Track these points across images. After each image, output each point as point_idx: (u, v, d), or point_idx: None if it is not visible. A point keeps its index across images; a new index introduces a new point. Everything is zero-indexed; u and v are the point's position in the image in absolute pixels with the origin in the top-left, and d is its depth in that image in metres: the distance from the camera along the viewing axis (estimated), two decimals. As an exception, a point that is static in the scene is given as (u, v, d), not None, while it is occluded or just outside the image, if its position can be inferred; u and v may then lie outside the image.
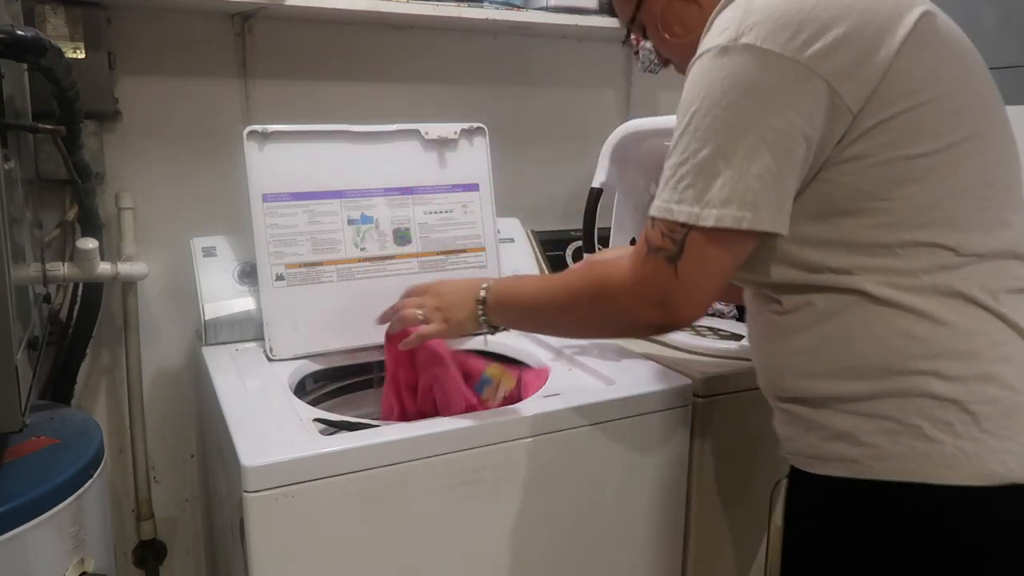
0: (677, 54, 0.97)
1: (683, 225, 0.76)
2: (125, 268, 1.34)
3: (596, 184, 1.46)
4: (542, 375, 1.17)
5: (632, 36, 1.02)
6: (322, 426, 1.06)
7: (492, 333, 1.07)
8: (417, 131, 1.40)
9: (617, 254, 0.95)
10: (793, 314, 0.83)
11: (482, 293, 1.03)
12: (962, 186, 0.76)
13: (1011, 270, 0.77)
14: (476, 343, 1.40)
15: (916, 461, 0.74)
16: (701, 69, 0.77)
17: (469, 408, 1.07)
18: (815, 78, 0.72)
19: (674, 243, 0.77)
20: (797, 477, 0.87)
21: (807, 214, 0.78)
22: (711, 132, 0.75)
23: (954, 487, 0.73)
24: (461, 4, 1.47)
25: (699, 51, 0.78)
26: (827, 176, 0.76)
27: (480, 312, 1.03)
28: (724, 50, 0.75)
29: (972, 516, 0.74)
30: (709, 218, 0.75)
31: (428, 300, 1.08)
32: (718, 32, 0.77)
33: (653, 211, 0.80)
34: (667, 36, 0.94)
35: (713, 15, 0.80)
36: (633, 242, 1.56)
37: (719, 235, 0.75)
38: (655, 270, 0.79)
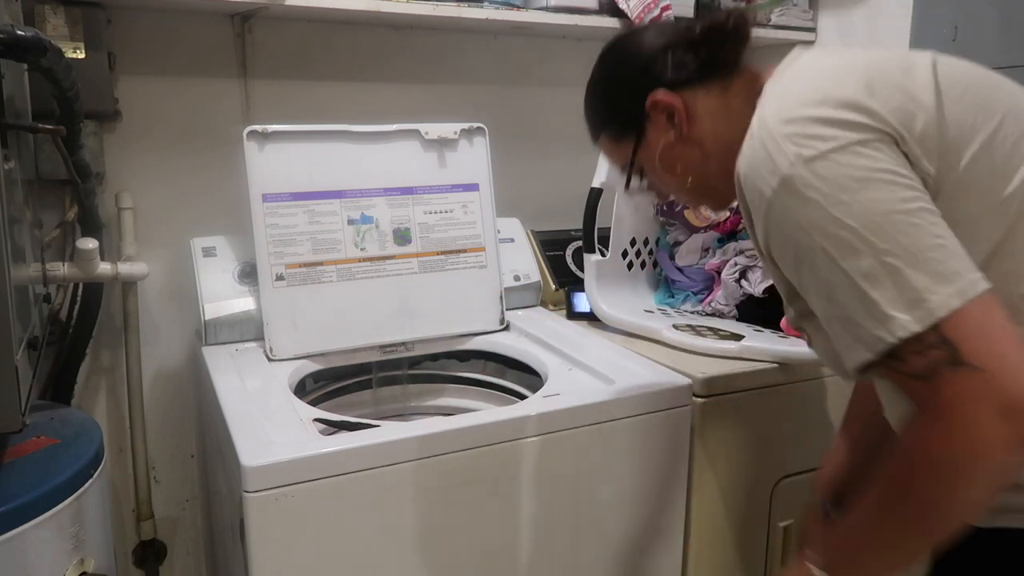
0: (681, 193, 0.93)
1: (927, 335, 0.65)
2: (125, 268, 1.34)
3: (596, 184, 1.45)
4: None
5: (631, 181, 0.95)
6: (322, 426, 1.06)
7: None
8: (417, 131, 1.40)
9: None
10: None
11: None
12: None
13: None
14: (479, 343, 1.40)
15: None
16: (784, 211, 0.70)
17: None
18: (888, 152, 0.68)
19: (938, 351, 0.64)
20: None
21: None
22: (859, 244, 0.67)
23: None
24: (461, 4, 1.47)
25: (758, 199, 0.72)
26: None
27: None
28: (790, 180, 0.69)
29: None
30: (940, 308, 0.64)
31: None
32: (767, 172, 0.71)
33: (868, 356, 0.68)
34: (670, 177, 0.89)
35: (738, 162, 0.75)
36: (633, 243, 1.56)
37: (963, 315, 0.64)
38: (951, 385, 0.64)
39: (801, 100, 0.72)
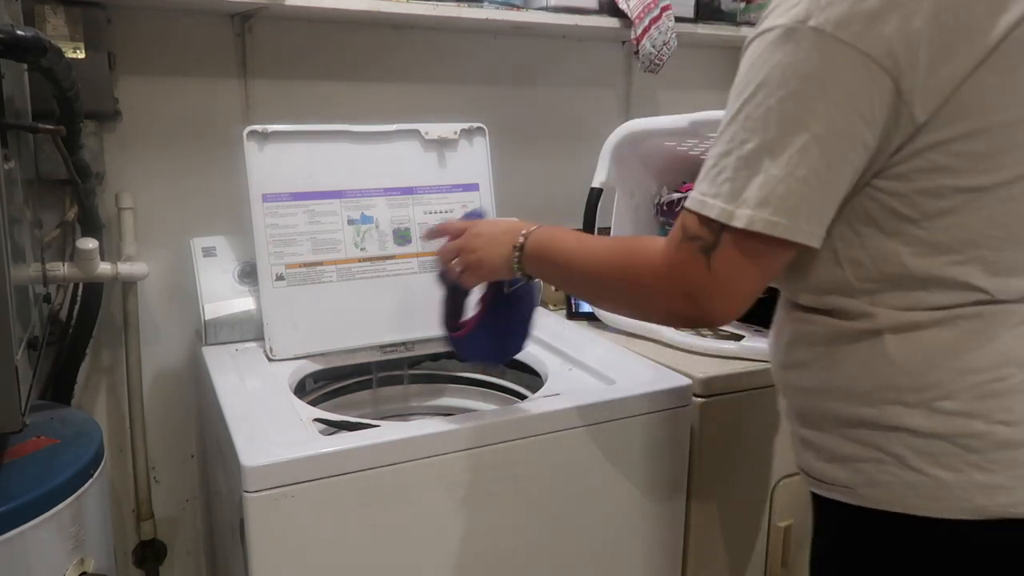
0: None
1: (714, 221, 0.70)
2: (125, 268, 1.34)
3: (596, 184, 1.46)
4: None
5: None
6: (322, 426, 1.06)
7: (527, 281, 1.00)
8: (417, 131, 1.40)
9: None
10: (799, 324, 0.81)
11: (521, 239, 0.93)
12: (1014, 227, 0.69)
13: None
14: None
15: (901, 491, 0.72)
16: (760, 51, 0.69)
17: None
18: (885, 78, 0.65)
19: (711, 233, 0.70)
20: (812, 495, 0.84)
21: (840, 224, 0.72)
22: (761, 124, 0.68)
23: (940, 520, 0.71)
24: (461, 4, 1.47)
25: (760, 27, 0.70)
26: (868, 191, 0.70)
27: (516, 259, 0.94)
28: (789, 32, 0.66)
29: (959, 550, 0.72)
30: (741, 218, 0.68)
31: (466, 250, 0.99)
32: (786, 8, 0.68)
33: (689, 201, 0.73)
34: None
35: None
36: (633, 242, 1.56)
37: (754, 237, 0.68)
38: (687, 259, 0.72)
39: None
